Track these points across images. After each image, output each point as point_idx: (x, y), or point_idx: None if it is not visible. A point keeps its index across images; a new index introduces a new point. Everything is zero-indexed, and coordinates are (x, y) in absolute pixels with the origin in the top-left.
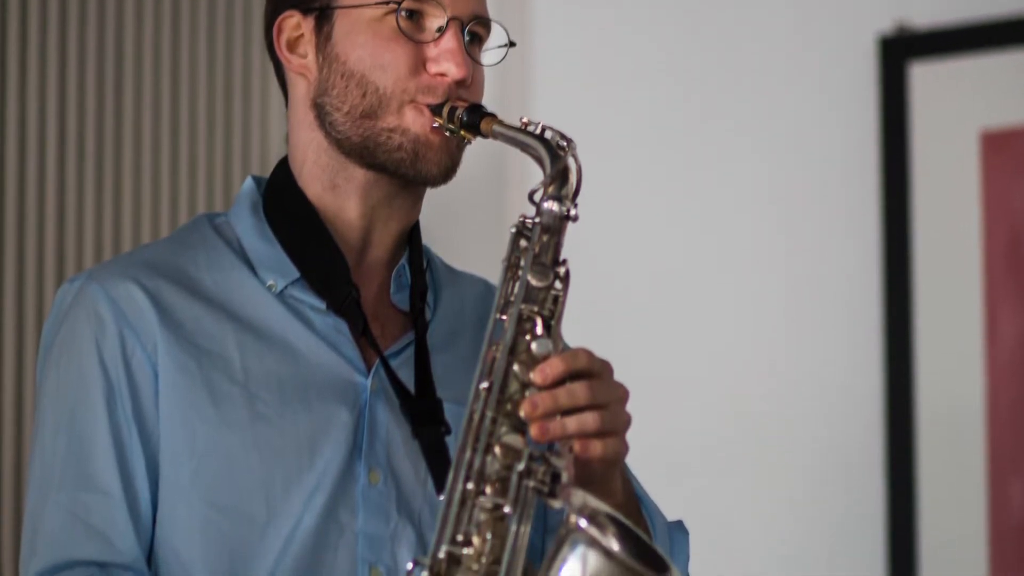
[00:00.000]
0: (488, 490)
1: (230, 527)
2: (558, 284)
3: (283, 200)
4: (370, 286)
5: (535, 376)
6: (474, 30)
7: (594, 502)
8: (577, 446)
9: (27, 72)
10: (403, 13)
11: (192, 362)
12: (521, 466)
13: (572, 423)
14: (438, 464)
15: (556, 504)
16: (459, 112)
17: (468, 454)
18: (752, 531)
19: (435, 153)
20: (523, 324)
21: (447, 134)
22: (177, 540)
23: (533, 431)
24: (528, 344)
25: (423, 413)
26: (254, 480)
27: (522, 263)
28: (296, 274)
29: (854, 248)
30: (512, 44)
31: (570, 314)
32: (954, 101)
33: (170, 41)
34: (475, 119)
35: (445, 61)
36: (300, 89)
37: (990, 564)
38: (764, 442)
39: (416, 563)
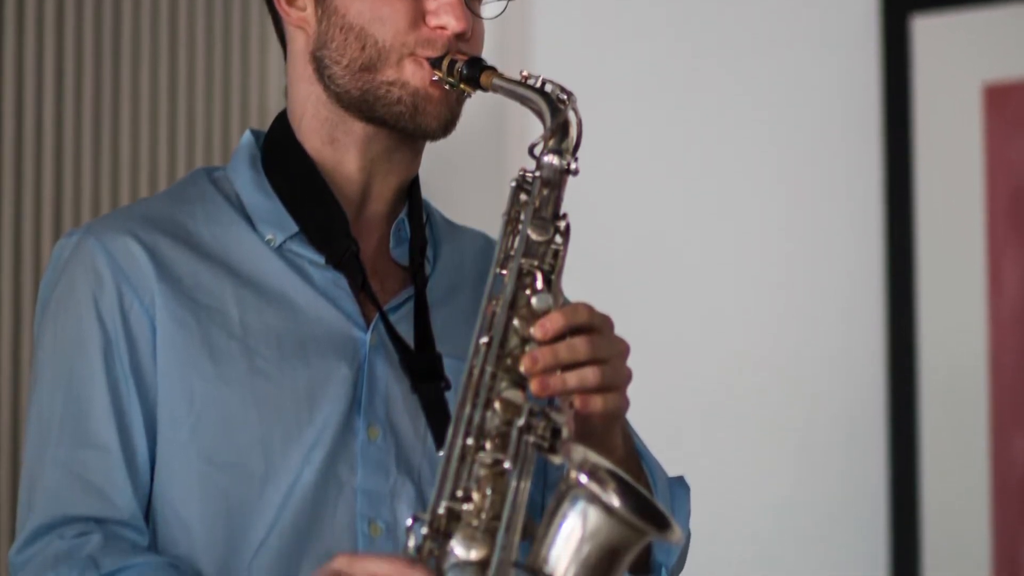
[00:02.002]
0: (488, 445)
1: (228, 483)
2: (558, 238)
3: (282, 154)
4: (369, 240)
5: (535, 331)
6: None
7: (594, 457)
8: (577, 401)
9: (24, 26)
10: None
11: (190, 317)
12: (521, 421)
13: (572, 378)
14: (438, 419)
15: (556, 459)
16: (459, 65)
17: (468, 409)
18: (753, 487)
19: (434, 106)
20: (523, 278)
21: (446, 87)
22: (175, 496)
23: (533, 386)
24: (528, 299)
25: (423, 368)
26: (252, 436)
27: (522, 217)
28: (295, 228)
29: (856, 202)
30: None
31: (570, 268)
32: (956, 54)
33: None
34: (475, 72)
35: (445, 14)
36: (299, 42)
37: (993, 518)
38: (766, 396)
39: (415, 519)
